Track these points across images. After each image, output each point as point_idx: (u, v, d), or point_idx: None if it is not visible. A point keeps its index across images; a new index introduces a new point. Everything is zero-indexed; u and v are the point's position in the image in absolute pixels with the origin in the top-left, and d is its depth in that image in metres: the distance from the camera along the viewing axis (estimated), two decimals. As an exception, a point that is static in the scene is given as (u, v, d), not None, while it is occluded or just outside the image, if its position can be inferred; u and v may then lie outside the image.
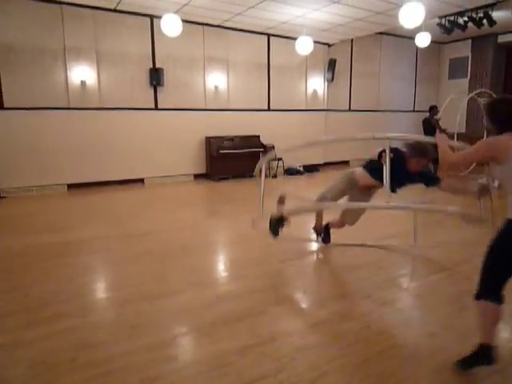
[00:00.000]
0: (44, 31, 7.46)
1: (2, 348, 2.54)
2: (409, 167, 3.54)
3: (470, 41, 11.97)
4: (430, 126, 9.12)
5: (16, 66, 7.33)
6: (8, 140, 7.38)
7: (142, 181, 8.85)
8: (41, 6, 7.33)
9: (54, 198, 7.48)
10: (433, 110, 9.45)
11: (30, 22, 7.30)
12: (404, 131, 12.72)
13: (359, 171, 3.92)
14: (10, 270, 3.88)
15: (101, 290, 3.61)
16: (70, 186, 8.08)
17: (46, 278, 3.65)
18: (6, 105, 7.32)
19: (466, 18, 8.43)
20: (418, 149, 3.49)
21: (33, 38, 7.38)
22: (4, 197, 7.42)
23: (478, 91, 9.79)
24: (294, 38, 8.71)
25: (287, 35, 9.68)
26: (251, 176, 9.26)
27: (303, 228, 4.89)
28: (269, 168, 9.92)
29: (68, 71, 7.78)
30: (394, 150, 3.43)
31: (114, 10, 7.95)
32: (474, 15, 8.30)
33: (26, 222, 5.73)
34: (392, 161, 3.14)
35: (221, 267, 4.14)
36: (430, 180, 3.61)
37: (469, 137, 10.64)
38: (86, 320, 2.89)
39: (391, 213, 5.23)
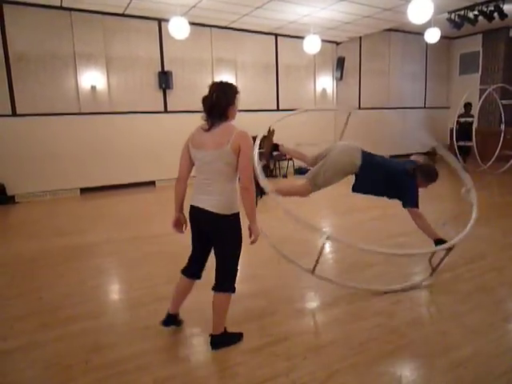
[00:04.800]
0: (54, 38, 7.57)
1: (18, 350, 2.58)
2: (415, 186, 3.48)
3: (480, 35, 11.79)
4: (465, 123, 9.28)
5: (28, 74, 7.46)
6: (21, 146, 7.50)
7: (153, 183, 8.92)
8: (50, 13, 7.44)
9: (66, 202, 7.58)
10: (467, 107, 9.38)
11: (40, 29, 7.42)
12: (415, 128, 12.62)
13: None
14: (23, 273, 3.95)
15: (113, 292, 3.64)
16: (83, 190, 8.19)
17: (59, 281, 3.70)
18: (18, 111, 7.45)
19: (476, 12, 8.29)
20: (428, 172, 3.47)
21: (43, 46, 7.50)
22: (18, 202, 7.55)
23: (495, 86, 9.68)
24: (302, 37, 8.70)
25: (295, 34, 9.66)
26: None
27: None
28: (279, 168, 9.92)
29: (78, 77, 7.89)
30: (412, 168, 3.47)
31: (123, 15, 8.03)
32: (484, 9, 8.17)
33: (40, 227, 5.82)
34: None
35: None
36: (409, 203, 3.45)
37: (481, 131, 10.53)
38: (98, 322, 2.92)
39: (403, 211, 5.18)
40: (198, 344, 2.67)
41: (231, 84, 2.43)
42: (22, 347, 2.61)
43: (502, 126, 9.56)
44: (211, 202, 2.38)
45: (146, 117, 8.60)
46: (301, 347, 2.51)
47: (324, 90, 10.82)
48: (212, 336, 2.54)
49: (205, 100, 2.38)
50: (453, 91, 12.93)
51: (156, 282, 3.60)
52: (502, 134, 9.43)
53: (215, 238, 2.49)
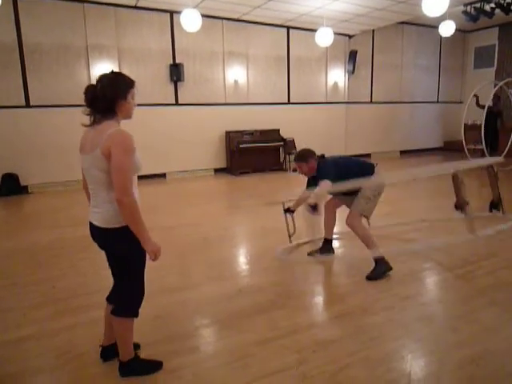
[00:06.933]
0: (67, 30, 7.61)
1: (31, 338, 2.62)
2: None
3: (497, 28, 11.58)
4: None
5: (41, 65, 7.52)
6: (34, 137, 7.59)
7: (163, 175, 8.96)
8: (64, 6, 7.48)
9: (79, 193, 7.61)
10: (495, 98, 9.41)
11: (53, 21, 7.46)
12: (427, 123, 12.49)
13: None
14: (37, 263, 4.01)
15: (124, 282, 3.68)
16: (94, 182, 8.25)
17: (72, 271, 3.76)
18: (32, 103, 7.53)
19: (493, 5, 8.13)
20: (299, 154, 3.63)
21: (57, 38, 7.55)
22: (31, 192, 7.65)
23: (505, 81, 9.50)
24: (314, 30, 8.62)
25: (307, 27, 9.58)
26: (271, 170, 9.30)
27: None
28: (289, 161, 9.88)
29: (91, 69, 7.93)
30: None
31: (135, 7, 8.04)
32: (501, 1, 8.01)
33: (53, 217, 5.90)
34: None
35: (241, 260, 4.17)
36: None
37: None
38: (110, 311, 2.95)
39: (415, 205, 5.13)
40: (207, 335, 2.69)
41: (124, 75, 2.04)
42: (35, 335, 2.65)
43: None
44: (96, 215, 2.06)
45: (157, 109, 8.62)
46: (310, 341, 2.51)
47: (336, 84, 10.73)
48: (119, 362, 2.23)
49: (87, 90, 1.96)
50: (467, 85, 12.73)
51: (166, 273, 3.62)
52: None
53: (109, 255, 2.19)
